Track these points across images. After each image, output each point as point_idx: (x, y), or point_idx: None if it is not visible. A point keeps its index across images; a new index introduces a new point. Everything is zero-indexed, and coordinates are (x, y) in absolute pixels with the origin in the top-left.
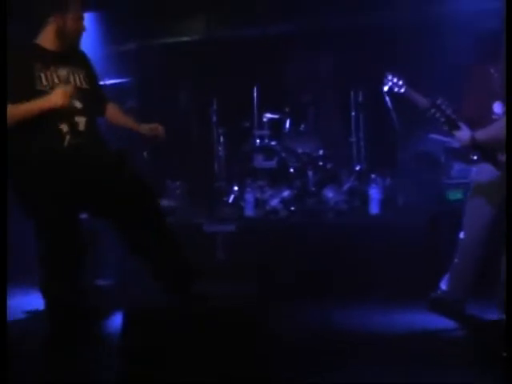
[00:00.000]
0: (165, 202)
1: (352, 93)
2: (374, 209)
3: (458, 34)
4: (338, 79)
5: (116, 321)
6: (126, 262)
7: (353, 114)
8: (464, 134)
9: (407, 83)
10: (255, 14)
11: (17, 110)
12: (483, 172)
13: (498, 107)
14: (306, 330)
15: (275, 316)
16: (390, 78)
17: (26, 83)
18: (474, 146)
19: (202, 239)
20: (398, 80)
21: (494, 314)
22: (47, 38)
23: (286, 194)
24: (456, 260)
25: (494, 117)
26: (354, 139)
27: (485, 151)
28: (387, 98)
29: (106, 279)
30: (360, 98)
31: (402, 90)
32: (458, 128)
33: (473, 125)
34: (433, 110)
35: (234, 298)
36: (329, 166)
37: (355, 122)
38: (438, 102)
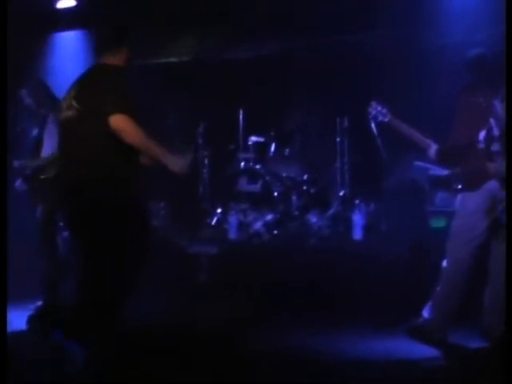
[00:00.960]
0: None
1: (338, 118)
2: (357, 234)
3: (445, 64)
4: (324, 104)
5: None
6: None
7: (338, 139)
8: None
9: (392, 112)
10: (243, 38)
11: (149, 148)
12: (467, 200)
13: (484, 135)
14: (283, 355)
15: (253, 339)
16: (374, 106)
17: None
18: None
19: (185, 260)
20: (382, 108)
21: (475, 343)
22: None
23: (269, 217)
24: (438, 288)
25: (479, 146)
26: (338, 164)
27: None
28: (373, 125)
29: None
30: (345, 124)
31: (386, 119)
32: None
33: (460, 154)
34: None
35: (214, 320)
36: (313, 190)
37: (340, 148)
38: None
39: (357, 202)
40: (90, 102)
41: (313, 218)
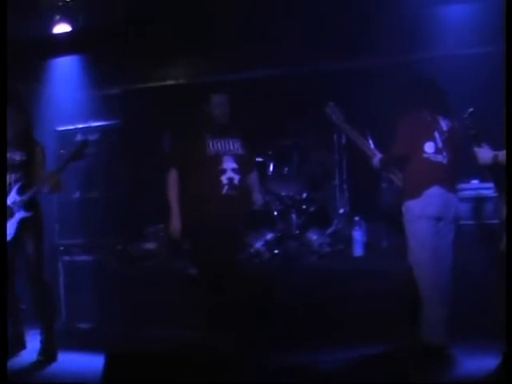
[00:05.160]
0: (147, 245)
1: (335, 135)
2: (357, 251)
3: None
4: (322, 122)
5: (96, 364)
6: (108, 305)
7: (336, 157)
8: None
9: (347, 119)
10: (238, 60)
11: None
12: (412, 207)
13: (429, 147)
14: (285, 374)
15: (253, 359)
16: (331, 107)
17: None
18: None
19: (185, 282)
20: (338, 111)
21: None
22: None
23: (269, 236)
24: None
25: (424, 155)
26: (337, 182)
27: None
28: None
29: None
30: (343, 141)
31: (339, 122)
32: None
33: (402, 161)
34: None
35: (212, 342)
36: (312, 208)
37: (338, 165)
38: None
39: (357, 219)
40: None
41: (313, 236)
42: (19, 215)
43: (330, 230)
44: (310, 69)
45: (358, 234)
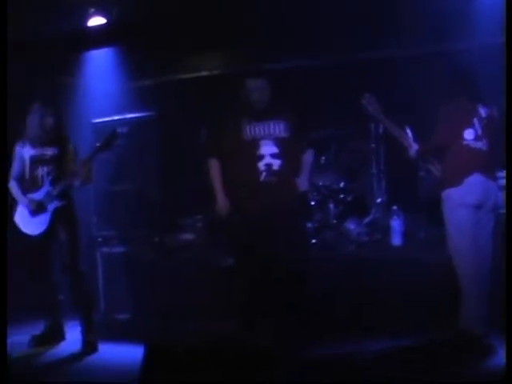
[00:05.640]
0: (184, 237)
1: (372, 125)
2: (396, 241)
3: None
4: (359, 111)
5: (135, 355)
6: (146, 296)
7: (373, 146)
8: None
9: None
10: (272, 49)
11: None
12: (452, 195)
13: (468, 134)
14: (326, 364)
15: (297, 349)
16: (367, 98)
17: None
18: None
19: (221, 274)
20: (374, 103)
21: None
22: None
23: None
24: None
25: (464, 142)
26: (374, 171)
27: None
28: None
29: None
30: (380, 130)
31: (376, 114)
32: None
33: (441, 150)
34: None
35: (249, 334)
36: (349, 198)
37: (376, 154)
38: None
39: (395, 208)
40: None
41: (351, 226)
42: (53, 206)
43: (367, 220)
44: (348, 58)
45: (396, 224)
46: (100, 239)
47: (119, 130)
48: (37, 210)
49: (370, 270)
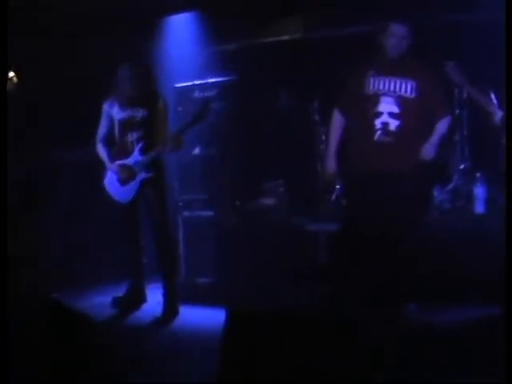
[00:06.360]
0: (266, 201)
1: (456, 90)
2: (479, 208)
3: None
4: (443, 75)
5: (216, 319)
6: (226, 260)
7: (457, 111)
8: None
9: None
10: (354, 13)
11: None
12: None
13: None
14: (409, 340)
15: (376, 322)
16: (451, 66)
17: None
18: None
19: (304, 238)
20: (458, 70)
21: None
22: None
23: None
24: None
25: None
26: (457, 138)
27: None
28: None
29: (206, 277)
30: (464, 95)
31: (459, 81)
32: None
33: None
34: None
35: (333, 300)
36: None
37: (459, 120)
38: None
39: (478, 175)
40: None
41: (434, 192)
42: (141, 176)
43: (450, 187)
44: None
45: (479, 191)
46: (181, 203)
47: (213, 104)
48: (126, 178)
49: (451, 238)
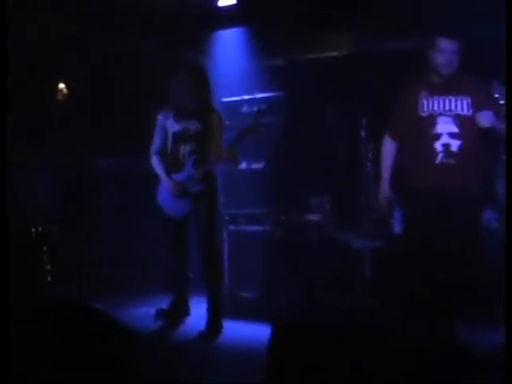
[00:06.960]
0: (311, 217)
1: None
2: None
3: None
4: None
5: (260, 335)
6: (271, 274)
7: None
8: None
9: None
10: (403, 29)
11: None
12: None
13: None
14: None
15: (417, 334)
16: (496, 87)
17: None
18: None
19: (349, 255)
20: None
21: None
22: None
23: None
24: None
25: None
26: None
27: None
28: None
29: (250, 291)
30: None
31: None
32: None
33: None
34: None
35: (378, 315)
36: None
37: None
38: None
39: None
40: None
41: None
42: (195, 189)
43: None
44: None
45: None
46: (227, 217)
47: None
48: (180, 193)
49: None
